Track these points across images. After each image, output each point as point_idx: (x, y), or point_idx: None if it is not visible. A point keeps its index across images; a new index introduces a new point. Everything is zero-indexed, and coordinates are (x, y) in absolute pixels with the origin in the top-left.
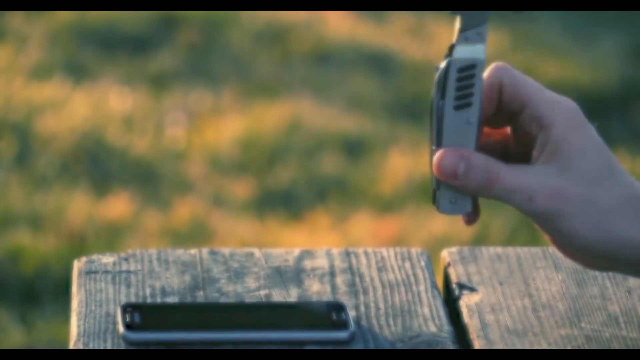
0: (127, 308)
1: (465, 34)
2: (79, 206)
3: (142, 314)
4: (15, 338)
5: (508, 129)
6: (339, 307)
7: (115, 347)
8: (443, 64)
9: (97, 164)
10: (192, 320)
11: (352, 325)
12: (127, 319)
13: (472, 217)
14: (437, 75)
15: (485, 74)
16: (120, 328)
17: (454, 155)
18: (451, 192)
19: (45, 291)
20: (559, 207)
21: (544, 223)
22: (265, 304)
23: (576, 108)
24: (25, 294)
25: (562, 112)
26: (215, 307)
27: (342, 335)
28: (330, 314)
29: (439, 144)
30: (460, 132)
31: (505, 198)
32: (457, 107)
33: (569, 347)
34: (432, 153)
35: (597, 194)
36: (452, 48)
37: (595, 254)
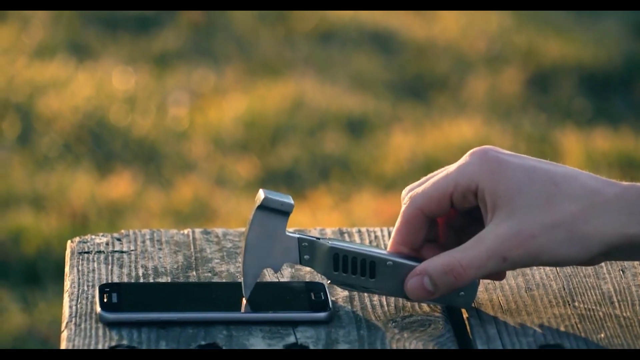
0: (105, 289)
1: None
2: (81, 186)
3: (119, 294)
4: (17, 319)
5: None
6: (318, 287)
7: (105, 328)
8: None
9: (99, 143)
10: (170, 300)
11: (331, 306)
12: (105, 300)
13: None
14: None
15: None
16: (98, 308)
17: (414, 278)
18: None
19: (47, 272)
20: (530, 249)
21: (529, 266)
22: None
23: (484, 154)
24: (27, 274)
25: (477, 170)
26: (194, 287)
27: (320, 315)
28: (309, 294)
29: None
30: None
31: (483, 274)
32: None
33: (562, 327)
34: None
35: (554, 214)
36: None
37: (587, 260)
